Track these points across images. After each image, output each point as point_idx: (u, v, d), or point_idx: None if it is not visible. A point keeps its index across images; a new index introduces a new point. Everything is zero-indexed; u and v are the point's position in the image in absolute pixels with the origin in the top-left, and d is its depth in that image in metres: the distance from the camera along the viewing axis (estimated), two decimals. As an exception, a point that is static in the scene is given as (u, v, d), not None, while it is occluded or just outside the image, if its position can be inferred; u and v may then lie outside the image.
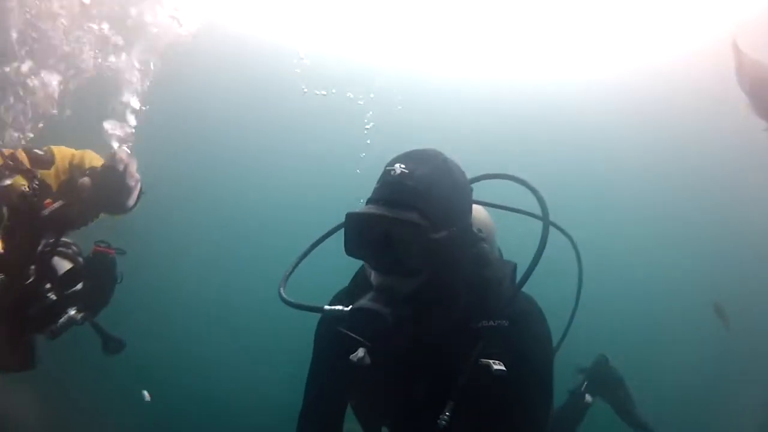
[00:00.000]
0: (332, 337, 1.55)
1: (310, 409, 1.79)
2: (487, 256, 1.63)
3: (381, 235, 1.39)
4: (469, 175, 1.62)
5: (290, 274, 1.72)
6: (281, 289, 1.66)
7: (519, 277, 1.60)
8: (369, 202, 1.46)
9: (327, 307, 1.52)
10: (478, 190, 1.69)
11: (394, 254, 1.38)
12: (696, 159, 7.28)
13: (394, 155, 1.50)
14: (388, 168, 1.45)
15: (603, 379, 2.88)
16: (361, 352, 1.46)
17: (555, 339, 1.70)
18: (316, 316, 1.74)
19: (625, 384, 2.80)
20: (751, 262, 6.86)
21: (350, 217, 1.44)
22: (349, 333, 1.43)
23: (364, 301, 1.40)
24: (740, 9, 6.02)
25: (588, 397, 2.60)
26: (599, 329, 6.76)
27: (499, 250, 2.01)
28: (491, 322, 1.53)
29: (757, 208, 6.88)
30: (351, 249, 1.46)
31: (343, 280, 1.79)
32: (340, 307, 1.48)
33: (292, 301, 1.61)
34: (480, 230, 1.64)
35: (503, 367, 1.46)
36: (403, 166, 1.42)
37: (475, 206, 1.77)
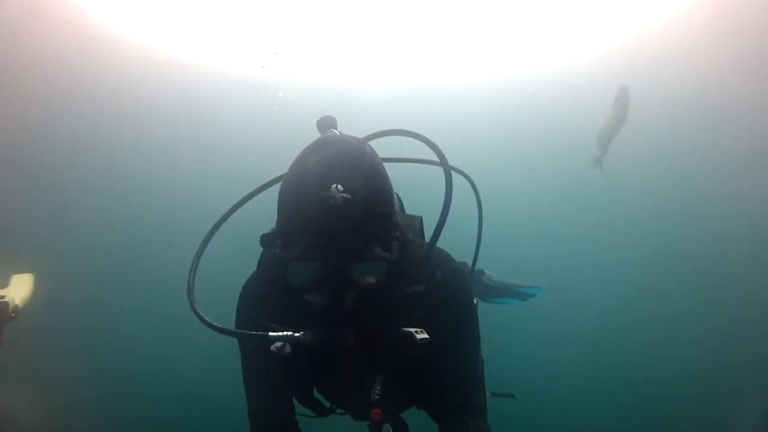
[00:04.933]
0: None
1: (258, 409, 1.71)
2: (395, 218, 1.54)
3: (343, 276, 1.32)
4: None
5: (193, 282, 1.58)
6: (196, 308, 1.50)
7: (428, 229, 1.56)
8: (310, 233, 1.28)
9: (272, 334, 1.40)
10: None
11: (356, 288, 1.33)
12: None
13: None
14: (323, 193, 1.24)
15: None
16: (279, 342, 1.40)
17: None
18: None
19: (485, 271, 2.85)
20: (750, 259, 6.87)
21: (300, 263, 1.32)
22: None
23: (323, 333, 1.34)
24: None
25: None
26: (598, 327, 6.88)
27: (399, 199, 1.94)
28: (407, 290, 1.51)
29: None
30: (300, 284, 1.36)
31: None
32: (289, 333, 1.38)
33: (220, 326, 1.47)
34: None
35: (426, 335, 1.44)
36: (341, 188, 1.24)
37: None
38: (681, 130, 6.99)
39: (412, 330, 1.44)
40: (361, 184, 1.28)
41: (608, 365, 6.86)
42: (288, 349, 1.39)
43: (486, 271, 2.76)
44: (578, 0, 6.23)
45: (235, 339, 1.68)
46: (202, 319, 1.48)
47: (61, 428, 5.19)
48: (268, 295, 1.50)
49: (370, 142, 1.58)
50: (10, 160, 6.06)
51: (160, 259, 5.93)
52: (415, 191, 2.18)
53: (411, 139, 1.64)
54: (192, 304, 1.51)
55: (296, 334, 1.37)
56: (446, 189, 1.50)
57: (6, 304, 2.40)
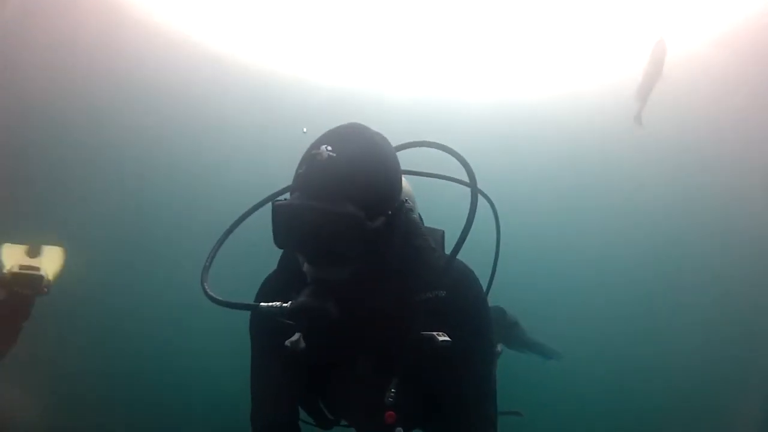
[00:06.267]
0: (271, 330, 1.50)
1: (261, 407, 1.72)
2: (418, 226, 1.60)
3: (315, 228, 1.32)
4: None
5: (210, 264, 1.64)
6: (205, 285, 1.58)
7: (449, 243, 1.59)
8: (295, 189, 1.37)
9: (263, 304, 1.45)
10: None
11: (329, 246, 1.33)
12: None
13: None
14: (313, 151, 1.34)
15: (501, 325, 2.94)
16: (295, 336, 1.43)
17: None
18: None
19: (519, 324, 2.88)
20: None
21: (279, 209, 1.36)
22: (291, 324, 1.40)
23: (305, 299, 1.37)
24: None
25: (499, 346, 2.71)
26: (598, 327, 6.91)
27: (420, 217, 1.97)
28: (429, 294, 1.54)
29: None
30: (282, 242, 1.40)
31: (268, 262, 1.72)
32: (278, 304, 1.43)
33: (221, 298, 1.53)
34: (407, 200, 1.59)
35: (447, 338, 1.47)
36: (329, 148, 1.33)
37: None
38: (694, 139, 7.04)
39: (434, 333, 1.47)
40: (352, 150, 1.34)
41: (611, 369, 6.90)
42: (303, 343, 1.42)
43: (520, 323, 2.82)
44: (602, 26, 6.36)
45: (248, 340, 1.74)
46: (205, 293, 1.55)
47: (63, 426, 5.19)
48: (284, 288, 1.52)
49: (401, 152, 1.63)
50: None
51: (176, 252, 6.02)
52: (435, 205, 2.21)
53: (429, 153, 1.69)
54: (202, 281, 1.58)
55: (284, 305, 1.41)
56: (471, 206, 1.56)
57: (41, 277, 2.21)
